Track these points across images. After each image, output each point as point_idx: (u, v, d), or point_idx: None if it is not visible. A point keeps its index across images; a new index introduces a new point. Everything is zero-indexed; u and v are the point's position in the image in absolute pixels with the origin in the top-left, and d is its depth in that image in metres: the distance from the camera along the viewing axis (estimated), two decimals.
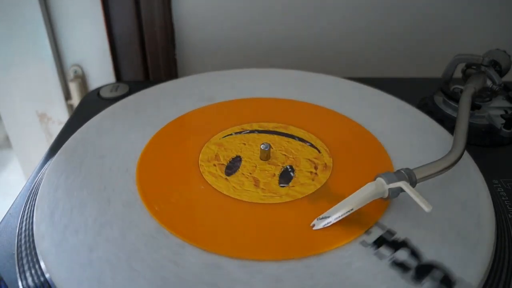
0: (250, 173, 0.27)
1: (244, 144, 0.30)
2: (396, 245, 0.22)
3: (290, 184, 0.26)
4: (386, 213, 0.24)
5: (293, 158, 0.28)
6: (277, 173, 0.27)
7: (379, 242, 0.22)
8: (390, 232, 0.22)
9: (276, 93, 0.36)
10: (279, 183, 0.26)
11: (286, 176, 0.27)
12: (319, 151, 0.28)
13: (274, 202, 0.25)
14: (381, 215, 0.23)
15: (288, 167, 0.27)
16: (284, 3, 0.50)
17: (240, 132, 0.31)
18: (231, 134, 0.31)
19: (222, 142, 0.30)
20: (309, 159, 0.28)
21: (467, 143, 0.27)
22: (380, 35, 0.53)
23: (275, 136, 0.30)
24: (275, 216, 0.24)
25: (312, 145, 0.29)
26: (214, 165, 0.28)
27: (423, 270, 0.20)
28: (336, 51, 0.54)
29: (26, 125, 0.57)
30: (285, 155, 0.28)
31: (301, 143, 0.30)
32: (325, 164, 0.28)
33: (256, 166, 0.27)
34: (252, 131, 0.31)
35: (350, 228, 0.22)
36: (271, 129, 0.31)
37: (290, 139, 0.30)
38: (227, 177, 0.27)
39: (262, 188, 0.26)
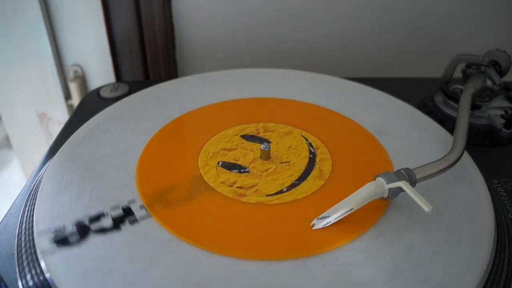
0: (247, 172, 0.27)
1: (247, 142, 0.30)
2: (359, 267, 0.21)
3: (283, 187, 0.26)
4: (386, 213, 0.24)
5: (293, 162, 0.28)
6: (273, 174, 0.27)
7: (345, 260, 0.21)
8: (356, 256, 0.21)
9: (276, 93, 0.36)
10: (272, 185, 0.26)
11: (280, 179, 0.27)
12: (320, 159, 0.28)
13: (265, 202, 0.24)
14: (347, 242, 0.22)
15: (285, 169, 0.27)
16: (284, 3, 0.50)
17: (251, 130, 0.31)
18: (241, 131, 0.31)
19: (229, 138, 0.30)
20: (308, 165, 0.28)
21: (467, 143, 0.27)
22: (380, 35, 0.53)
23: (284, 138, 0.30)
24: (277, 216, 0.24)
25: (314, 152, 0.29)
26: (230, 185, 0.26)
27: None
28: (336, 51, 0.54)
29: (26, 125, 0.57)
30: (286, 157, 0.28)
31: (306, 149, 0.29)
32: (323, 173, 0.27)
33: (255, 166, 0.28)
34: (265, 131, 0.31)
35: (321, 241, 0.22)
36: (269, 129, 0.31)
37: (299, 144, 0.30)
38: (224, 174, 0.27)
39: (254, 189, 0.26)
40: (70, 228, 0.23)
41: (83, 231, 0.22)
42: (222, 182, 0.26)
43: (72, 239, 0.22)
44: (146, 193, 0.25)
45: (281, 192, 0.25)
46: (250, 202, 0.25)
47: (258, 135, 0.30)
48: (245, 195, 0.25)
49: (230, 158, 0.28)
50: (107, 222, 0.23)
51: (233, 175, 0.27)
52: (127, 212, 0.24)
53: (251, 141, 0.30)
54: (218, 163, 0.28)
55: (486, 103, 0.36)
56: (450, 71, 0.37)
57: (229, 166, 0.28)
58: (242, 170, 0.27)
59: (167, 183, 0.26)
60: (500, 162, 0.32)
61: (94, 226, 0.23)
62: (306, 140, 0.30)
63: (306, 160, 0.28)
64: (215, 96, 0.35)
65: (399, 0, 0.50)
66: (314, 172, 0.27)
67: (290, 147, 0.29)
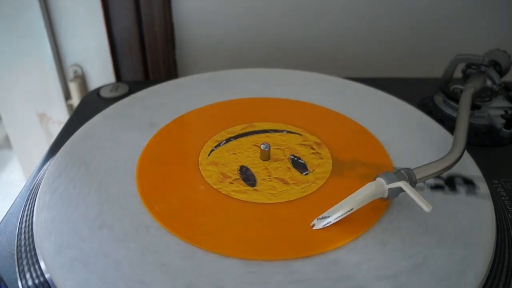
0: (270, 176, 0.27)
1: (250, 142, 0.30)
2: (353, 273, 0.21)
3: (278, 187, 0.26)
4: (386, 213, 0.24)
5: (287, 148, 0.28)
6: (290, 165, 0.27)
7: (338, 263, 0.21)
8: (353, 258, 0.21)
9: (276, 93, 0.36)
10: (301, 172, 0.26)
11: (299, 165, 0.27)
12: (321, 160, 0.28)
13: (256, 201, 0.24)
14: (347, 242, 0.22)
15: (293, 157, 0.28)
16: (284, 3, 0.50)
17: (252, 130, 0.31)
18: (243, 130, 0.31)
19: (231, 137, 0.30)
20: (300, 144, 0.29)
21: (467, 143, 0.27)
22: (380, 35, 0.53)
23: (285, 138, 0.30)
24: (273, 217, 0.24)
25: (317, 153, 0.29)
26: (231, 183, 0.26)
27: None
28: (336, 51, 0.54)
29: (26, 125, 0.57)
30: (286, 158, 0.28)
31: (307, 150, 0.29)
32: (322, 174, 0.27)
33: (253, 165, 0.27)
34: (266, 130, 0.31)
35: (316, 243, 0.22)
36: (266, 128, 0.31)
37: (298, 144, 0.30)
38: (256, 188, 0.26)
39: (294, 183, 0.26)
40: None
41: None
42: (254, 194, 0.25)
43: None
44: (146, 193, 0.25)
45: (310, 179, 0.26)
46: (256, 203, 0.25)
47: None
48: (285, 195, 0.25)
49: (237, 171, 0.27)
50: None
51: (259, 184, 0.26)
52: None
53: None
54: (234, 179, 0.26)
55: (486, 103, 0.36)
56: (450, 71, 0.37)
57: (246, 178, 0.26)
58: (260, 176, 0.27)
59: (167, 183, 0.26)
60: (500, 162, 0.32)
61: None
62: (311, 147, 0.29)
63: (299, 145, 0.28)
64: (215, 96, 0.35)
65: (399, 0, 0.50)
66: (315, 150, 0.27)
67: (295, 151, 0.29)
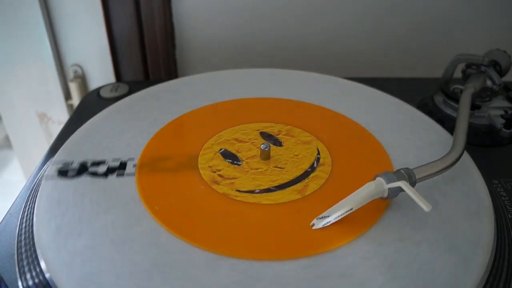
0: (243, 169, 0.27)
1: (251, 141, 0.30)
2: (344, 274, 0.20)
3: (275, 188, 0.26)
4: (386, 213, 0.24)
5: (292, 163, 0.28)
6: (269, 174, 0.27)
7: (330, 266, 0.21)
8: (347, 260, 0.21)
9: (276, 93, 0.36)
10: (265, 184, 0.26)
11: (275, 179, 0.26)
12: (321, 161, 0.28)
13: (251, 202, 0.25)
14: (348, 241, 0.22)
15: (282, 171, 0.27)
16: (284, 3, 0.50)
17: (253, 129, 0.31)
18: (243, 130, 0.31)
19: (231, 136, 0.30)
20: (306, 168, 0.27)
21: (467, 143, 0.27)
22: (380, 35, 0.53)
23: (285, 138, 0.30)
24: (273, 217, 0.24)
25: (317, 154, 0.29)
26: (214, 153, 0.28)
27: None
28: (336, 51, 0.54)
29: (26, 125, 0.57)
30: (285, 159, 0.28)
31: (307, 150, 0.29)
32: (321, 175, 0.27)
33: (252, 164, 0.28)
34: (265, 131, 0.31)
35: (311, 244, 0.22)
36: (275, 132, 0.31)
37: (298, 145, 0.29)
38: (220, 169, 0.27)
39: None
40: (75, 165, 0.27)
41: (81, 170, 0.27)
42: (209, 166, 0.27)
43: (70, 173, 0.27)
44: (146, 193, 0.25)
45: (251, 192, 0.25)
46: (217, 191, 0.25)
47: (276, 136, 0.30)
48: (218, 184, 0.26)
49: (234, 148, 0.29)
50: (102, 169, 0.27)
51: (223, 163, 0.28)
52: (121, 166, 0.27)
53: (266, 139, 0.30)
54: (220, 149, 0.29)
55: (486, 103, 0.36)
56: (450, 71, 0.37)
57: (227, 155, 0.28)
58: (235, 162, 0.28)
59: (167, 183, 0.26)
60: (500, 162, 0.32)
61: (91, 169, 0.27)
62: (318, 154, 0.29)
63: (301, 172, 0.27)
64: (215, 96, 0.35)
65: (399, 0, 0.50)
66: (298, 186, 0.26)
67: (297, 155, 0.29)
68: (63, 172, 0.27)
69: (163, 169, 0.27)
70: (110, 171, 0.27)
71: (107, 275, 0.20)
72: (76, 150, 0.29)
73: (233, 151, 0.29)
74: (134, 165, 0.27)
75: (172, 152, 0.29)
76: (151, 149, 0.29)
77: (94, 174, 0.27)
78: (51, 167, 0.27)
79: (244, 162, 0.28)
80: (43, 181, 0.26)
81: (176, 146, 0.29)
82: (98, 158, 0.28)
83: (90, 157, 0.28)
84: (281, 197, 0.25)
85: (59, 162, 0.27)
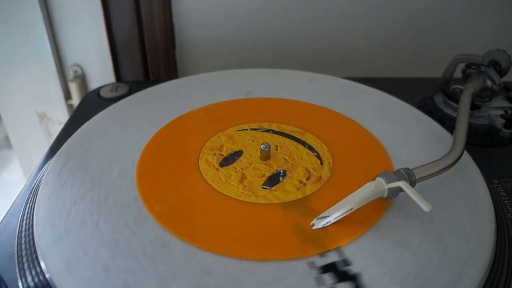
0: (242, 169, 0.27)
1: (253, 141, 0.30)
2: (344, 277, 0.20)
3: (273, 188, 0.26)
4: (386, 213, 0.24)
5: (292, 164, 0.28)
6: (267, 174, 0.27)
7: (327, 268, 0.21)
8: (345, 262, 0.21)
9: (276, 93, 0.36)
10: (263, 184, 0.26)
11: (273, 180, 0.26)
12: (321, 163, 0.28)
13: (249, 201, 0.25)
14: (347, 241, 0.22)
15: (281, 172, 0.27)
16: (284, 3, 0.50)
17: (256, 129, 0.31)
18: (246, 129, 0.31)
19: (233, 135, 0.30)
20: (306, 169, 0.27)
21: (467, 143, 0.27)
22: (380, 35, 0.53)
23: (286, 139, 0.30)
24: (276, 216, 0.24)
25: (318, 156, 0.28)
26: (214, 154, 0.28)
27: None
28: (336, 51, 0.54)
29: (26, 125, 0.57)
30: (286, 159, 0.28)
31: (308, 151, 0.29)
32: (320, 177, 0.27)
33: (251, 164, 0.28)
34: (266, 130, 0.31)
35: (306, 247, 0.22)
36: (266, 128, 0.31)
37: (299, 145, 0.29)
38: (219, 168, 0.27)
39: (244, 185, 0.26)
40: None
41: None
42: (210, 167, 0.27)
43: None
44: (146, 193, 0.25)
45: (254, 192, 0.25)
46: (220, 192, 0.25)
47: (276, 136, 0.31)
48: (221, 185, 0.26)
49: (232, 149, 0.29)
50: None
51: (225, 167, 0.27)
52: (121, 170, 0.27)
53: (265, 139, 0.30)
54: (219, 151, 0.29)
55: (486, 103, 0.36)
56: (450, 71, 0.37)
57: (226, 156, 0.28)
58: (235, 163, 0.28)
59: (167, 183, 0.26)
60: (500, 162, 0.32)
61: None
62: (316, 150, 0.29)
63: (303, 168, 0.27)
64: (215, 96, 0.35)
65: (399, 0, 0.50)
66: (299, 185, 0.26)
67: (297, 155, 0.29)
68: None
69: (164, 171, 0.27)
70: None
71: (107, 274, 0.20)
72: (75, 151, 0.29)
73: (232, 152, 0.29)
74: (134, 168, 0.27)
75: (172, 153, 0.29)
76: (150, 151, 0.29)
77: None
78: (47, 175, 0.26)
79: (244, 162, 0.28)
80: (41, 187, 0.25)
81: (175, 147, 0.29)
82: (96, 167, 0.27)
83: (88, 162, 0.28)
84: (284, 196, 0.25)
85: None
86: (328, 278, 0.20)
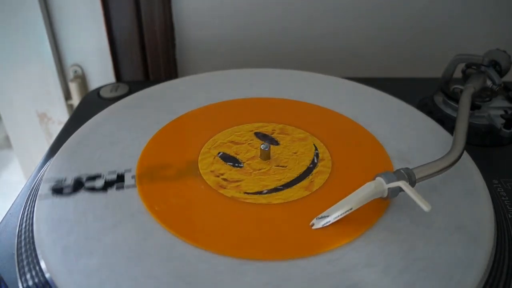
0: (243, 170, 0.27)
1: (252, 141, 0.30)
2: (345, 275, 0.20)
3: (276, 187, 0.26)
4: (386, 213, 0.24)
5: (292, 163, 0.28)
6: (269, 174, 0.27)
7: (333, 266, 0.21)
8: (348, 261, 0.21)
9: (276, 93, 0.36)
10: (266, 184, 0.26)
11: (275, 179, 0.26)
12: (321, 161, 0.28)
13: (252, 201, 0.25)
14: (349, 241, 0.22)
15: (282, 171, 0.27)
16: (284, 3, 0.50)
17: (255, 129, 0.31)
18: (245, 130, 0.31)
19: (231, 136, 0.30)
20: (307, 167, 0.27)
21: (467, 143, 0.27)
22: (380, 35, 0.53)
23: (285, 138, 0.30)
24: (287, 215, 0.24)
25: (317, 154, 0.28)
26: (214, 155, 0.28)
27: None
28: (336, 51, 0.54)
29: (26, 125, 0.57)
30: (286, 158, 0.28)
31: (307, 149, 0.29)
32: (321, 174, 0.27)
33: (252, 164, 0.28)
34: (266, 130, 0.31)
35: (311, 246, 0.22)
36: (269, 132, 0.31)
37: (298, 144, 0.29)
38: (219, 169, 0.27)
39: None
40: (69, 182, 0.26)
41: (77, 186, 0.26)
42: (211, 171, 0.27)
43: (66, 190, 0.25)
44: (146, 193, 0.25)
45: (260, 193, 0.25)
46: (225, 196, 0.25)
47: (271, 135, 0.30)
48: (225, 188, 0.25)
49: (232, 151, 0.29)
50: (99, 183, 0.26)
51: (225, 167, 0.27)
52: (119, 179, 0.26)
53: (261, 139, 0.30)
54: (218, 153, 0.28)
55: (486, 103, 0.36)
56: (450, 71, 0.37)
57: (227, 158, 0.28)
58: (236, 165, 0.27)
59: (167, 183, 0.26)
60: (500, 162, 0.32)
61: (88, 184, 0.26)
62: (316, 149, 0.29)
63: (304, 168, 0.27)
64: (215, 96, 0.35)
65: (399, 0, 0.50)
66: (304, 182, 0.26)
67: (296, 153, 0.29)
68: (57, 190, 0.25)
69: (164, 177, 0.27)
70: (108, 184, 0.26)
71: (107, 274, 0.20)
72: (68, 163, 0.28)
73: (232, 154, 0.29)
74: (133, 177, 0.26)
75: (170, 159, 0.28)
76: (147, 158, 0.28)
77: (92, 189, 0.25)
78: (44, 185, 0.26)
79: (245, 164, 0.28)
80: (37, 202, 0.25)
81: (173, 152, 0.29)
82: (93, 171, 0.27)
83: (83, 171, 0.27)
84: (291, 195, 0.25)
85: (51, 179, 0.26)
86: (333, 276, 0.20)
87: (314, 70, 0.40)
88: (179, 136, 0.31)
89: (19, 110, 0.56)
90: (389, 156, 0.28)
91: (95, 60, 0.54)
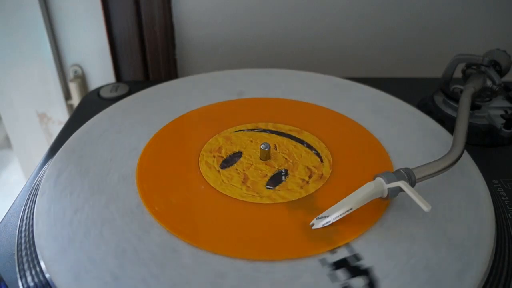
0: (243, 170, 0.27)
1: (251, 141, 0.30)
2: (356, 271, 0.20)
3: (277, 187, 0.26)
4: (386, 213, 0.24)
5: (292, 163, 0.28)
6: (270, 174, 0.27)
7: (339, 264, 0.21)
8: (356, 257, 0.21)
9: (275, 94, 0.36)
10: (266, 184, 0.26)
11: (276, 179, 0.26)
12: (321, 161, 0.28)
13: (254, 201, 0.25)
14: (355, 237, 0.22)
15: (283, 171, 0.27)
16: (284, 3, 0.50)
17: (253, 130, 0.31)
18: (243, 130, 0.31)
19: (231, 136, 0.30)
20: (307, 167, 0.27)
21: (467, 143, 0.27)
22: (380, 35, 0.53)
23: (284, 138, 0.30)
24: (255, 215, 0.24)
25: (317, 154, 0.29)
26: (214, 156, 0.28)
27: None
28: (336, 51, 0.54)
29: (26, 125, 0.57)
30: (286, 158, 0.28)
31: (307, 149, 0.29)
32: (322, 174, 0.27)
33: (252, 164, 0.27)
34: (264, 130, 0.31)
35: (316, 244, 0.22)
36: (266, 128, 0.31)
37: (298, 144, 0.30)
38: (220, 170, 0.27)
39: (248, 186, 0.26)
40: None
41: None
42: (211, 169, 0.27)
43: None
44: (146, 193, 0.25)
45: (258, 192, 0.25)
46: (224, 194, 0.25)
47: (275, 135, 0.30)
48: (224, 186, 0.26)
49: (232, 151, 0.29)
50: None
51: (226, 169, 0.27)
52: (121, 175, 0.27)
53: (264, 139, 0.30)
54: (218, 153, 0.28)
55: (486, 103, 0.36)
56: (450, 71, 0.37)
57: (227, 157, 0.28)
58: (236, 164, 0.28)
59: (167, 183, 0.26)
60: (500, 162, 0.32)
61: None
62: (314, 148, 0.29)
63: (304, 167, 0.27)
64: (215, 96, 0.35)
65: (399, 1, 0.50)
66: (302, 184, 0.26)
67: (297, 154, 0.29)
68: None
69: (164, 177, 0.27)
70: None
71: (107, 274, 0.20)
72: (75, 151, 0.29)
73: (232, 153, 0.29)
74: (134, 172, 0.27)
75: (170, 159, 0.28)
76: (147, 158, 0.28)
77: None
78: (44, 185, 0.26)
79: (245, 163, 0.28)
80: (37, 202, 0.25)
81: (173, 152, 0.29)
82: (96, 167, 0.27)
83: (83, 171, 0.27)
84: (288, 195, 0.25)
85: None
86: (341, 274, 0.20)
87: (314, 70, 0.40)
88: (179, 136, 0.31)
89: (19, 110, 0.56)
90: (389, 156, 0.28)
91: (95, 60, 0.54)
